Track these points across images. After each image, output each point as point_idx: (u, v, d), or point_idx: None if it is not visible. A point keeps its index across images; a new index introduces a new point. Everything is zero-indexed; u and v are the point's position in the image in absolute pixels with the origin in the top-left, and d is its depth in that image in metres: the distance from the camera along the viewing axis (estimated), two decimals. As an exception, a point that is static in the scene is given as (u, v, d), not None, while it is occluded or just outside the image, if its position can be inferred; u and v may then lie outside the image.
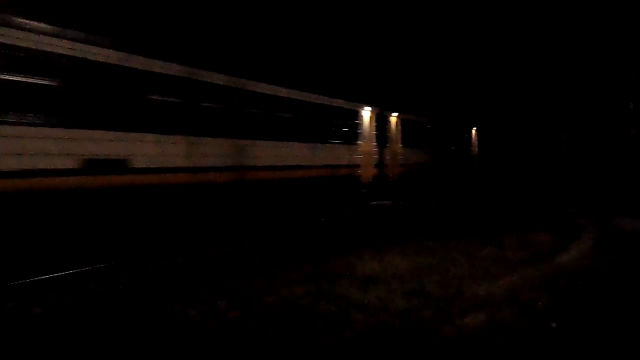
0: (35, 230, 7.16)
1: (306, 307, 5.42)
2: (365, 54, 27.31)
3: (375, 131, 17.60)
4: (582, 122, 30.98)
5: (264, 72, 12.32)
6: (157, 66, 9.13)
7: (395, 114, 19.16)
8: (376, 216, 13.64)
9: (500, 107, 34.55)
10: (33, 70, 7.16)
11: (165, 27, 11.70)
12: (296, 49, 22.51)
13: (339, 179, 15.32)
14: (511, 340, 4.53)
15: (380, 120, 17.91)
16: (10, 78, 6.89)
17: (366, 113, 16.99)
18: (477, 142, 29.54)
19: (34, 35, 7.19)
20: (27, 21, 7.16)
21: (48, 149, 7.24)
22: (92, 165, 7.85)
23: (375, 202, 16.76)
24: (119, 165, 8.30)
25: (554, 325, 4.86)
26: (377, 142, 17.69)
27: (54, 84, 7.42)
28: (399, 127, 19.54)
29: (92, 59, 8.00)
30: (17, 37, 6.98)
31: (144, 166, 8.71)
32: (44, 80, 7.31)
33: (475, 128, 29.28)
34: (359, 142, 16.53)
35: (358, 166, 16.50)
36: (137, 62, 8.76)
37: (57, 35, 7.50)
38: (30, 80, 7.12)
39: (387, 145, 18.57)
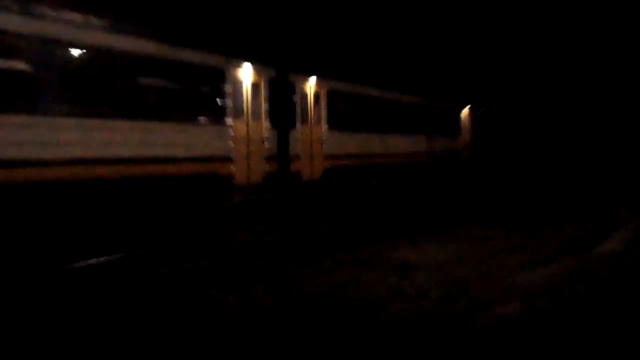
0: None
1: None
2: None
3: (269, 104, 11.18)
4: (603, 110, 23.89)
5: None
6: None
7: (314, 80, 12.65)
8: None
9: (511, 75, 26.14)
10: None
11: None
12: None
13: (174, 182, 9.00)
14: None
15: (282, 89, 11.40)
16: None
17: (245, 75, 10.60)
18: (470, 126, 22.34)
19: None
20: None
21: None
22: None
23: (259, 227, 9.35)
24: None
25: None
26: (272, 121, 11.25)
27: None
28: (324, 100, 13.04)
29: None
30: None
31: None
32: None
33: (469, 106, 22.06)
34: (228, 119, 10.16)
35: (228, 160, 10.12)
36: None
37: None
38: None
39: (298, 126, 12.10)
